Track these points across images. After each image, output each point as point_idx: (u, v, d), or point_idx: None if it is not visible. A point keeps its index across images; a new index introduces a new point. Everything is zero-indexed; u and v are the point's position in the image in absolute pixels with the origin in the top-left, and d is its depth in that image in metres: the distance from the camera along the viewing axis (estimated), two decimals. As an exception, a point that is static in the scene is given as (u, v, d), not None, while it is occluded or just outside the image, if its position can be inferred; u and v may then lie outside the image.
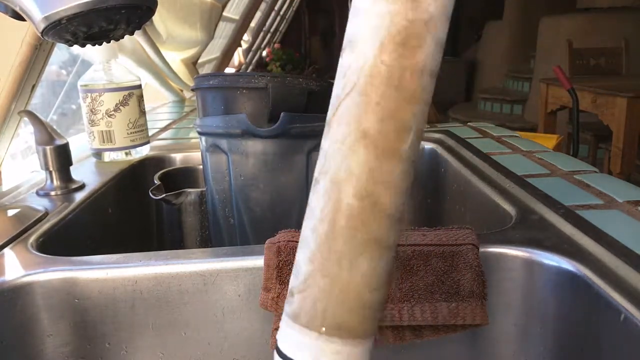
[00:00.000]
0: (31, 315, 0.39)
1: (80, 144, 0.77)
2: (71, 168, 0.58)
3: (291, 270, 0.36)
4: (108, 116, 0.65)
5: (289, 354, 0.25)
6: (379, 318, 0.25)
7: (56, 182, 0.56)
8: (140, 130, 0.69)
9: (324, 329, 0.24)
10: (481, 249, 0.38)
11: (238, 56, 3.21)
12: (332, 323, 0.24)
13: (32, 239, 0.45)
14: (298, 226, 0.37)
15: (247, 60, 3.41)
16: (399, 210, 0.24)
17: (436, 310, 0.35)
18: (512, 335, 0.40)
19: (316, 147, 0.52)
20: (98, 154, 0.68)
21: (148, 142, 0.72)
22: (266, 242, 0.38)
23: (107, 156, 0.68)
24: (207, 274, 0.39)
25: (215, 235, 0.57)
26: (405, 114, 0.22)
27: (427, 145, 0.74)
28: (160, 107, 1.29)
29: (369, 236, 0.23)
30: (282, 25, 4.75)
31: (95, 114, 0.65)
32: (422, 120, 0.23)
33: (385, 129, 0.22)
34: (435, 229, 0.39)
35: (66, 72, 1.24)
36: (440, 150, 0.71)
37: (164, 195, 0.61)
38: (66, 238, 0.50)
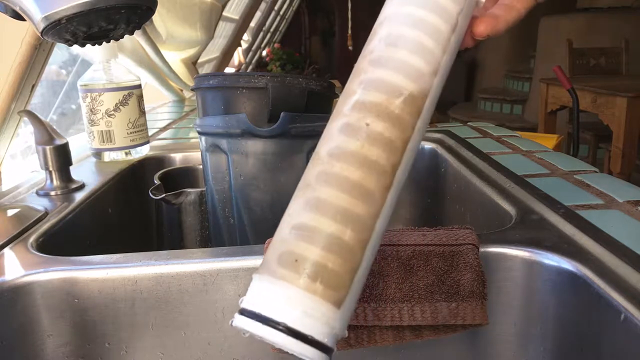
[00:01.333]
0: (31, 315, 0.39)
1: (80, 144, 0.77)
2: (71, 168, 0.58)
3: (291, 270, 0.36)
4: (108, 116, 0.65)
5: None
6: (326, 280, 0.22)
7: (56, 182, 0.56)
8: (140, 130, 0.69)
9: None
10: (481, 249, 0.38)
11: (238, 56, 3.20)
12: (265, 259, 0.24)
13: (32, 238, 0.45)
14: (298, 226, 0.37)
15: (247, 60, 3.40)
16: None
17: (436, 310, 0.35)
18: (512, 335, 0.40)
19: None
20: (98, 153, 0.68)
21: (148, 142, 0.72)
22: (266, 242, 0.38)
23: (107, 156, 0.68)
24: (207, 274, 0.39)
25: (215, 235, 0.57)
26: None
27: (427, 145, 0.74)
28: (160, 106, 1.29)
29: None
30: (282, 25, 4.75)
31: (95, 114, 0.65)
32: None
33: None
34: (435, 229, 0.39)
35: (66, 72, 1.24)
36: (440, 150, 0.71)
37: (163, 195, 0.61)
38: (66, 238, 0.50)
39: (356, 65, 0.26)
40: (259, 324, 0.22)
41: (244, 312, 0.23)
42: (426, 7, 0.26)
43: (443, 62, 0.26)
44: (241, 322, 0.22)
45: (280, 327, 0.22)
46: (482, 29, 0.29)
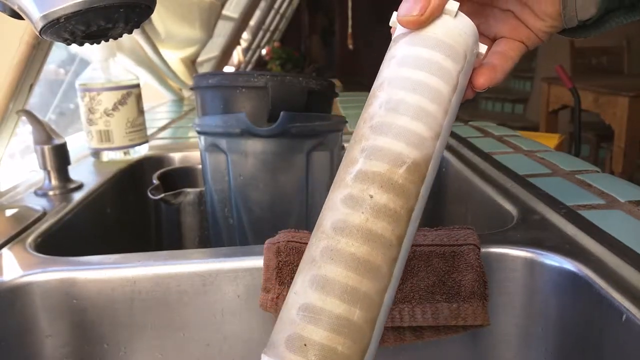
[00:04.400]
0: (30, 316, 0.39)
1: (78, 144, 0.76)
2: (69, 168, 0.58)
3: (291, 270, 0.36)
4: (106, 115, 0.65)
5: None
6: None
7: (54, 182, 0.56)
8: (138, 130, 0.69)
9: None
10: (482, 249, 0.38)
11: (237, 55, 3.20)
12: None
13: (30, 239, 0.44)
14: (297, 226, 0.37)
15: (247, 59, 3.40)
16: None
17: (437, 311, 0.35)
18: (513, 336, 0.40)
19: (316, 147, 0.52)
20: (96, 153, 0.67)
21: (146, 142, 0.71)
22: (266, 242, 0.37)
23: (106, 156, 0.67)
24: (206, 274, 0.38)
25: (215, 235, 0.57)
26: None
27: (428, 145, 0.73)
28: (158, 106, 1.29)
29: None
30: (282, 23, 4.74)
31: (93, 113, 0.65)
32: None
33: None
34: (436, 229, 0.39)
35: (64, 71, 1.24)
36: (440, 149, 0.71)
37: (162, 195, 0.61)
38: (64, 238, 0.49)
39: (356, 130, 0.26)
40: None
41: None
42: (425, 69, 0.25)
43: (445, 124, 0.26)
44: None
45: None
46: (482, 81, 0.29)
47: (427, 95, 0.25)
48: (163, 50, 1.19)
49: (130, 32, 0.37)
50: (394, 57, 0.27)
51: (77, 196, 0.55)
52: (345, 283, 0.22)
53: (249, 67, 3.52)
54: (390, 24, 0.28)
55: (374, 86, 0.27)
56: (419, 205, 0.25)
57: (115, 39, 0.37)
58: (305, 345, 0.22)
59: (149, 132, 0.88)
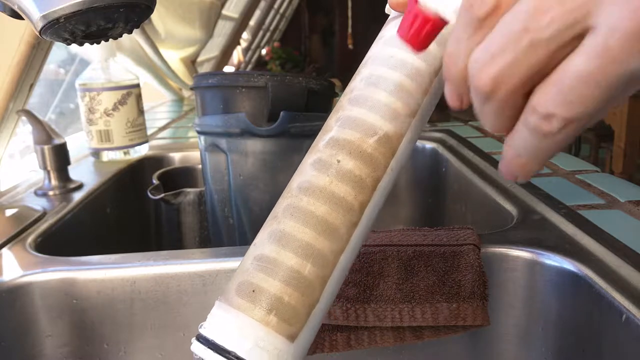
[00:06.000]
0: (30, 316, 0.39)
1: (78, 144, 0.76)
2: (69, 168, 0.58)
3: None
4: (106, 115, 0.65)
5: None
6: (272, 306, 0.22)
7: (54, 182, 0.56)
8: (138, 130, 0.69)
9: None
10: (482, 249, 0.38)
11: (237, 55, 3.20)
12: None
13: (30, 239, 0.44)
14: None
15: (247, 59, 3.40)
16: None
17: (437, 311, 0.35)
18: (513, 336, 0.40)
19: (316, 147, 0.52)
20: (96, 153, 0.67)
21: (146, 142, 0.71)
22: (266, 242, 0.37)
23: (106, 155, 0.67)
24: (206, 274, 0.38)
25: (215, 235, 0.57)
26: None
27: (428, 145, 0.73)
28: (158, 106, 1.29)
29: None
30: (282, 23, 4.74)
31: (93, 113, 0.65)
32: None
33: None
34: (436, 229, 0.39)
35: (64, 71, 1.24)
36: (441, 149, 0.71)
37: (162, 195, 0.61)
38: (64, 238, 0.49)
39: (338, 102, 0.27)
40: (211, 352, 0.22)
41: (200, 339, 0.23)
42: (409, 49, 0.26)
43: (423, 103, 0.26)
44: (196, 348, 0.23)
45: (231, 357, 0.22)
46: None
47: (407, 74, 0.26)
48: (163, 50, 1.19)
49: (130, 32, 0.37)
50: (381, 38, 0.27)
51: (77, 196, 0.55)
52: (300, 238, 0.23)
53: (249, 67, 3.52)
54: (386, 11, 0.29)
55: (360, 65, 0.27)
56: (387, 177, 0.25)
57: (115, 39, 0.37)
58: (253, 291, 0.22)
59: (149, 132, 0.88)
